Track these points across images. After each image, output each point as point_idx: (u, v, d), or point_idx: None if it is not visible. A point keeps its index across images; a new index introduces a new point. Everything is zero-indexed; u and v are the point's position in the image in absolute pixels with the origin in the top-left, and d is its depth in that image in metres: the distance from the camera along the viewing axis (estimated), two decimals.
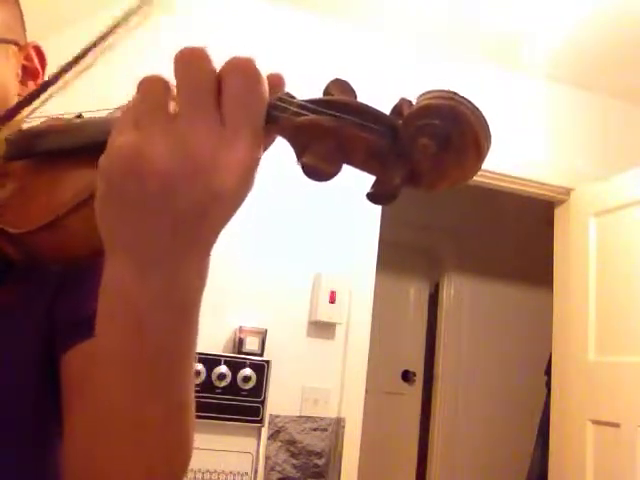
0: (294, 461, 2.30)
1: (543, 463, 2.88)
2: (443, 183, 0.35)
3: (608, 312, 2.50)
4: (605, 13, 2.37)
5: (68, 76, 0.47)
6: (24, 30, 0.69)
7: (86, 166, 0.45)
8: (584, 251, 2.65)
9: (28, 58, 0.67)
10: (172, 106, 0.35)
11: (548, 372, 2.95)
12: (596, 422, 2.46)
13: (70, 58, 0.48)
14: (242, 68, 0.36)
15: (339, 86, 0.38)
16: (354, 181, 0.36)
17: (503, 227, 4.09)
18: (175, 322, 0.39)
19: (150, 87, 0.36)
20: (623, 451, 2.31)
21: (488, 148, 0.35)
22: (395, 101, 0.37)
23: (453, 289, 4.24)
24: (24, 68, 0.67)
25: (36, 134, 0.50)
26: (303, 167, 0.34)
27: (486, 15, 2.47)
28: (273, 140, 0.39)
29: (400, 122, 0.35)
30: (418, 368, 4.20)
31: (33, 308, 0.57)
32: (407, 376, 4.14)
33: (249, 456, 2.24)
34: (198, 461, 2.16)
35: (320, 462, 2.33)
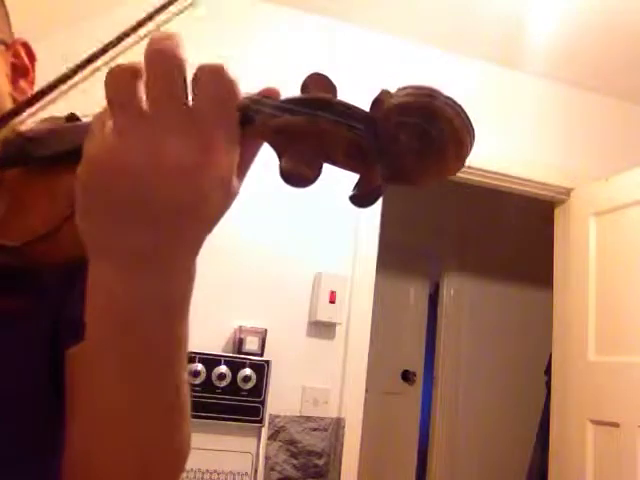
0: (294, 461, 2.30)
1: (543, 463, 2.88)
2: (426, 179, 0.35)
3: (608, 312, 2.50)
4: (606, 13, 2.37)
5: (75, 79, 0.46)
6: (9, 27, 0.67)
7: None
8: (584, 251, 2.65)
9: (16, 55, 0.66)
10: (143, 104, 0.34)
11: (548, 372, 2.95)
12: (596, 422, 2.46)
13: (80, 60, 0.46)
14: (213, 69, 0.35)
15: (317, 81, 0.37)
16: (354, 181, 0.36)
17: (503, 227, 4.09)
18: (162, 323, 0.39)
19: (118, 81, 0.34)
20: (623, 451, 2.31)
21: (470, 143, 0.35)
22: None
23: (453, 289, 4.24)
24: (13, 66, 0.65)
25: (29, 139, 0.48)
26: (281, 173, 0.33)
27: (486, 14, 2.47)
28: (258, 146, 0.38)
29: (379, 117, 0.34)
30: (418, 368, 4.20)
31: (36, 310, 0.57)
32: (407, 376, 4.14)
33: (249, 456, 2.24)
34: (198, 461, 2.16)
35: (320, 462, 2.33)
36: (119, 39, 0.46)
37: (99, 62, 0.45)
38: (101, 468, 0.44)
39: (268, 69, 2.48)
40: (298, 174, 0.34)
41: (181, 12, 0.46)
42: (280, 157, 0.34)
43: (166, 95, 0.34)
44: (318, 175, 0.34)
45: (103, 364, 0.40)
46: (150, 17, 0.46)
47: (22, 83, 0.65)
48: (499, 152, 2.71)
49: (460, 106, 0.34)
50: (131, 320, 0.38)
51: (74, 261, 0.47)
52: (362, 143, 0.34)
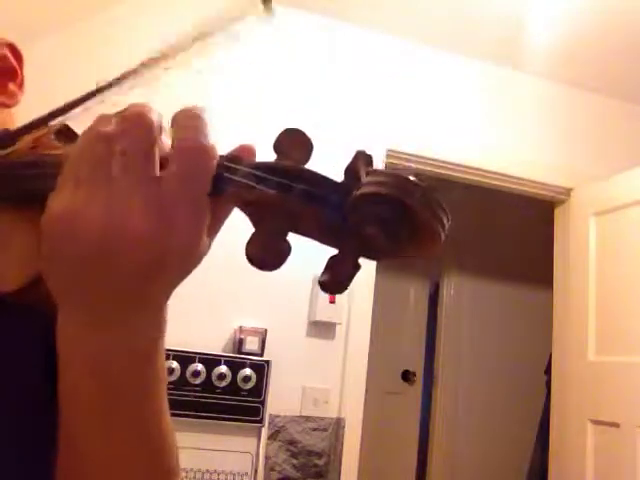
0: (294, 461, 2.30)
1: (543, 463, 2.88)
2: (403, 256, 0.34)
3: (608, 312, 2.50)
4: (606, 13, 2.37)
5: (92, 102, 0.44)
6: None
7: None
8: (584, 251, 2.65)
9: (2, 58, 0.62)
10: (114, 169, 0.34)
11: (548, 372, 2.95)
12: (596, 422, 2.46)
13: (100, 84, 0.44)
14: (189, 145, 0.34)
15: (290, 138, 0.36)
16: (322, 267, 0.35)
17: (503, 227, 4.09)
18: (131, 369, 0.39)
19: (93, 143, 0.35)
20: (623, 451, 2.31)
21: (443, 228, 0.33)
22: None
23: (453, 289, 4.24)
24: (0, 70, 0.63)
25: (7, 172, 0.44)
26: (247, 258, 0.33)
27: (487, 14, 2.47)
28: (231, 209, 0.38)
29: (348, 201, 0.33)
30: (418, 368, 4.20)
31: (37, 310, 0.57)
32: (407, 376, 4.14)
33: (249, 456, 2.24)
34: (198, 461, 2.16)
35: (320, 462, 2.33)
36: (129, 74, 0.45)
37: (98, 98, 0.44)
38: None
39: (268, 69, 2.48)
40: (262, 259, 0.33)
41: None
42: (252, 225, 0.34)
43: (136, 164, 0.34)
44: (283, 260, 0.33)
45: (76, 399, 0.40)
46: (174, 51, 0.45)
47: (11, 86, 0.62)
48: (499, 152, 2.72)
49: (430, 193, 0.33)
50: (97, 366, 0.38)
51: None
52: (333, 223, 0.33)
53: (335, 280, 0.34)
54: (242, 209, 0.35)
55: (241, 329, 2.26)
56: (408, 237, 0.33)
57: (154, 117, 0.35)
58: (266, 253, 0.33)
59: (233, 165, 0.35)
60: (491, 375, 4.05)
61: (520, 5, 2.39)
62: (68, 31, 2.16)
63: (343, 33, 2.63)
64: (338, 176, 0.35)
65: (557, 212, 2.91)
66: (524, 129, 2.81)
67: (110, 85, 0.44)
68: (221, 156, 0.35)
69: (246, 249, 0.33)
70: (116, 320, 0.36)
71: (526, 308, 4.04)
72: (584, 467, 2.46)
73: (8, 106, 0.60)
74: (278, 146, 0.36)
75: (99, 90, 0.44)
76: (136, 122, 0.35)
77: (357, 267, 0.34)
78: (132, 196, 0.33)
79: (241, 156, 0.36)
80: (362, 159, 0.34)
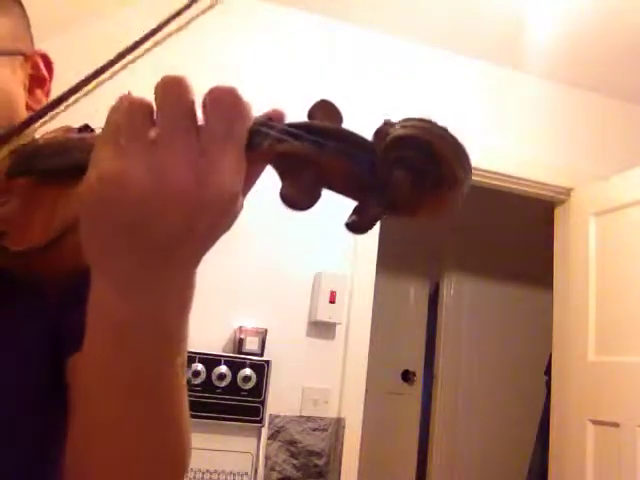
0: (294, 461, 2.30)
1: (543, 463, 2.88)
2: (422, 213, 0.35)
3: (608, 312, 2.50)
4: (606, 13, 2.38)
5: (86, 89, 0.46)
6: (30, 37, 0.69)
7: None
8: (584, 251, 2.65)
9: (35, 66, 0.67)
10: (153, 132, 0.35)
11: (548, 372, 2.95)
12: (596, 422, 2.46)
13: (91, 71, 0.47)
14: (224, 96, 0.35)
15: (323, 108, 0.38)
16: (351, 208, 0.36)
17: (503, 227, 4.09)
18: (157, 339, 0.39)
19: (131, 110, 0.36)
20: (623, 451, 2.31)
21: (466, 179, 0.35)
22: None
23: (453, 289, 4.24)
24: (31, 77, 0.66)
25: (40, 150, 0.49)
26: (281, 197, 0.34)
27: (487, 14, 2.47)
28: (262, 168, 0.39)
29: (379, 148, 0.35)
30: (418, 368, 4.20)
31: (40, 309, 0.57)
32: (407, 376, 4.14)
33: (249, 456, 2.24)
34: (198, 461, 2.16)
35: (320, 462, 2.33)
36: (130, 49, 0.47)
37: (108, 74, 0.46)
38: (95, 475, 0.44)
39: (268, 69, 2.48)
40: (296, 201, 0.35)
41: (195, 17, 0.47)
42: (282, 179, 0.35)
43: (174, 123, 0.35)
44: (315, 202, 0.35)
45: (99, 375, 0.41)
46: (161, 26, 0.48)
47: (39, 93, 0.66)
48: (499, 152, 2.72)
49: (459, 142, 0.35)
50: (126, 336, 0.38)
51: (76, 271, 0.48)
52: (360, 174, 0.35)
53: (359, 221, 0.35)
54: (273, 163, 0.36)
55: (241, 329, 2.26)
56: (432, 184, 0.34)
57: (187, 82, 0.36)
58: (299, 193, 0.35)
59: (268, 122, 0.37)
60: (491, 375, 4.05)
61: (520, 5, 2.38)
62: (71, 34, 2.16)
63: (343, 33, 2.63)
64: None
65: (557, 212, 2.91)
66: (524, 129, 2.81)
67: (99, 72, 0.46)
68: (256, 117, 0.37)
69: (280, 191, 0.35)
70: (147, 286, 0.37)
71: (526, 308, 4.04)
72: (584, 467, 2.46)
73: (33, 110, 0.63)
74: (311, 114, 0.37)
75: (89, 78, 0.46)
76: (173, 83, 0.36)
77: (380, 214, 0.35)
78: (174, 154, 0.34)
79: (273, 117, 0.37)
80: (390, 124, 0.36)
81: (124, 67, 0.46)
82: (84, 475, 0.46)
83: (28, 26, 0.68)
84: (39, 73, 0.67)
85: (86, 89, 0.46)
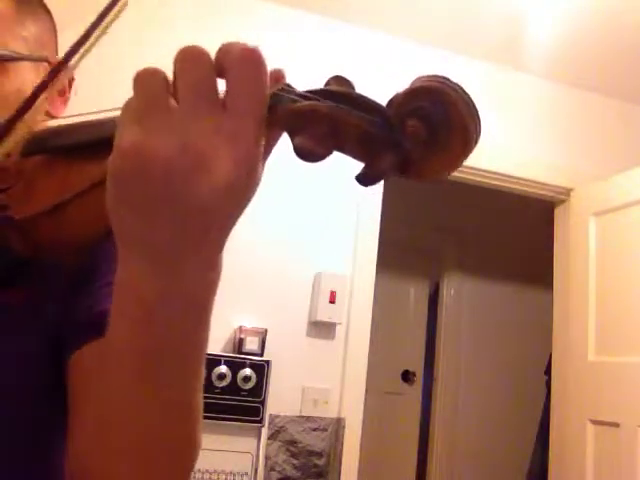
0: (294, 461, 2.30)
1: (543, 463, 2.88)
2: (431, 170, 0.36)
3: (608, 312, 2.50)
4: (606, 13, 2.38)
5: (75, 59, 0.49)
6: (56, 45, 0.70)
7: (93, 159, 0.46)
8: (584, 251, 2.65)
9: None
10: (171, 101, 0.35)
11: (548, 372, 2.95)
12: (596, 422, 2.46)
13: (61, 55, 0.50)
14: (246, 56, 0.36)
15: (338, 80, 0.39)
16: (354, 181, 0.36)
17: (503, 227, 4.09)
18: (185, 315, 0.39)
19: (147, 81, 0.36)
20: (623, 451, 2.31)
21: (476, 133, 0.35)
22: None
23: (453, 289, 4.24)
24: None
25: (51, 132, 0.51)
26: (295, 147, 0.35)
27: (487, 14, 2.47)
28: (279, 134, 0.39)
29: (392, 106, 0.36)
30: (418, 368, 4.20)
31: (40, 309, 0.57)
32: (407, 376, 4.14)
33: (249, 456, 2.24)
34: (198, 461, 2.15)
35: (320, 462, 2.33)
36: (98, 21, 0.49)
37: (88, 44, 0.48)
38: (108, 466, 0.44)
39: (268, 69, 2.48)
40: (312, 150, 0.35)
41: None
42: (296, 134, 0.36)
43: (196, 89, 0.35)
44: (327, 155, 0.35)
45: (122, 361, 0.40)
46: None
47: (57, 101, 0.68)
48: (499, 152, 2.71)
49: (470, 97, 0.35)
50: (154, 312, 0.38)
51: (78, 247, 0.49)
52: (374, 133, 0.35)
53: (369, 172, 0.36)
54: (288, 123, 0.36)
55: (241, 329, 2.26)
56: (445, 136, 0.34)
57: (206, 50, 0.36)
58: (314, 144, 0.35)
59: (286, 87, 0.38)
60: (491, 375, 4.05)
61: (520, 5, 2.39)
62: (71, 32, 2.16)
63: (343, 33, 2.63)
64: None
65: (557, 212, 2.91)
66: (524, 129, 2.81)
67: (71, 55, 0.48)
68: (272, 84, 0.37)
69: (295, 142, 0.35)
70: (175, 263, 0.37)
71: (526, 308, 4.04)
72: (584, 467, 2.46)
73: (52, 116, 0.65)
74: (327, 84, 0.39)
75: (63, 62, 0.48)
76: (192, 51, 0.36)
77: (391, 167, 0.35)
78: (198, 120, 0.34)
79: (273, 75, 0.38)
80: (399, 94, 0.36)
81: (100, 37, 0.48)
82: (94, 473, 0.45)
83: (55, 35, 0.69)
84: (61, 82, 0.67)
85: (71, 62, 0.48)
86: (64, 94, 0.69)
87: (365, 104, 0.36)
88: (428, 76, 0.35)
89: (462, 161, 0.36)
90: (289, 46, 2.54)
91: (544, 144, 2.83)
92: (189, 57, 0.36)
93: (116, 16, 0.49)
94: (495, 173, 2.70)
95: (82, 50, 0.48)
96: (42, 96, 0.48)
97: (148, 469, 0.44)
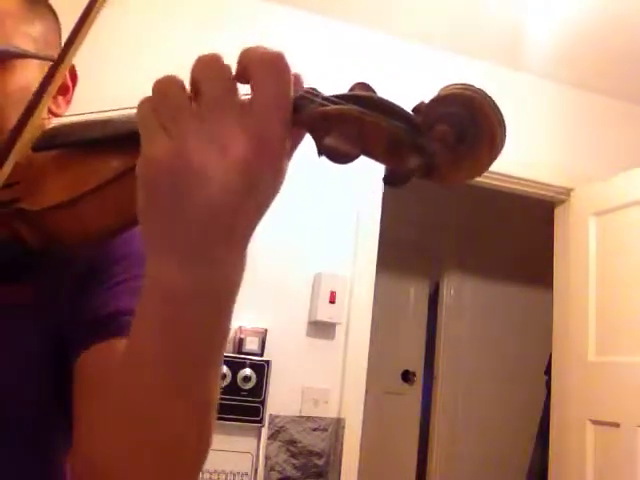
0: (294, 461, 2.30)
1: (543, 463, 2.88)
2: (456, 175, 0.36)
3: (608, 312, 2.50)
4: (606, 13, 2.37)
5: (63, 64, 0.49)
6: (61, 44, 0.70)
7: (106, 155, 0.47)
8: (584, 251, 2.65)
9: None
10: (195, 107, 0.36)
11: (548, 372, 2.95)
12: (596, 422, 2.46)
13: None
14: (270, 62, 0.36)
15: (362, 86, 0.39)
16: (354, 181, 0.36)
17: (503, 227, 4.09)
18: (211, 316, 0.40)
19: (168, 89, 0.37)
20: (623, 451, 2.31)
21: (502, 141, 0.36)
22: (404, 99, 0.37)
23: (453, 289, 4.24)
24: None
25: (60, 129, 0.52)
26: (325, 148, 0.35)
27: (487, 15, 2.47)
28: (303, 134, 0.39)
29: (421, 112, 0.36)
30: (418, 368, 4.20)
31: (45, 308, 0.57)
32: (407, 376, 4.14)
33: (249, 456, 2.24)
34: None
35: (320, 462, 2.33)
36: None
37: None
38: (119, 466, 0.43)
39: None
40: (341, 151, 0.35)
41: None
42: (322, 138, 0.36)
43: (221, 93, 0.36)
44: (355, 158, 0.36)
45: (149, 362, 0.40)
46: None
47: (60, 100, 0.68)
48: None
49: (498, 106, 0.36)
50: (183, 314, 0.39)
51: (90, 243, 0.49)
52: (402, 138, 0.35)
53: (395, 173, 0.36)
54: (315, 126, 0.37)
55: (241, 329, 2.26)
56: (472, 143, 0.35)
57: (222, 58, 0.37)
58: (343, 144, 0.35)
59: (312, 91, 0.38)
60: (491, 375, 4.05)
61: (520, 5, 2.38)
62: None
63: (343, 33, 2.63)
64: None
65: (557, 212, 2.91)
66: (524, 129, 2.81)
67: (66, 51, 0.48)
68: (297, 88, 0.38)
69: (324, 142, 0.35)
70: (203, 259, 0.38)
71: (526, 308, 4.04)
72: (584, 467, 2.46)
73: (55, 115, 0.66)
74: (351, 90, 0.39)
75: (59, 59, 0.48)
76: (212, 58, 0.37)
77: (417, 169, 0.36)
78: (226, 123, 0.35)
79: (313, 87, 0.39)
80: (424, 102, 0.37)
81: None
82: (109, 473, 0.45)
83: (60, 34, 0.70)
84: (64, 82, 0.68)
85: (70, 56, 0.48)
86: (67, 93, 0.69)
87: (392, 109, 0.37)
88: (456, 84, 0.36)
89: (487, 167, 0.36)
90: (289, 46, 2.54)
91: (544, 144, 2.83)
92: (210, 66, 0.37)
93: (100, 7, 0.49)
94: (495, 173, 2.70)
95: (72, 48, 0.49)
96: (44, 97, 0.48)
97: (166, 468, 0.44)
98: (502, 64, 2.78)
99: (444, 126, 0.35)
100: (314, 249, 2.42)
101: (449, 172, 0.36)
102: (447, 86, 0.36)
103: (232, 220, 0.37)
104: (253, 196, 0.36)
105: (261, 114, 0.35)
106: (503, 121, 0.36)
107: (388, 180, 0.36)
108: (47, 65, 0.65)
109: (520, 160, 2.75)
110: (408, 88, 2.71)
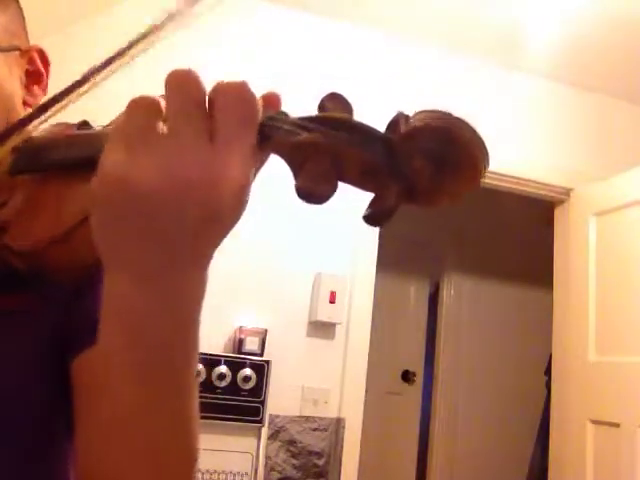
0: (294, 461, 2.30)
1: (543, 463, 2.88)
2: (439, 201, 0.35)
3: (608, 312, 2.50)
4: (606, 13, 2.37)
5: (83, 88, 0.46)
6: (26, 32, 0.68)
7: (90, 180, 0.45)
8: (584, 251, 2.65)
9: (31, 61, 0.66)
10: (162, 127, 0.35)
11: (548, 372, 2.95)
12: (596, 422, 2.46)
13: (88, 69, 0.46)
14: (233, 88, 0.35)
15: (334, 101, 0.37)
16: (367, 201, 0.36)
17: (503, 227, 4.09)
18: (172, 332, 0.39)
19: (139, 107, 0.36)
20: (623, 451, 2.31)
21: (485, 168, 0.35)
22: (391, 106, 0.36)
23: (453, 289, 4.24)
24: (27, 72, 0.66)
25: (42, 146, 0.49)
26: (298, 190, 0.34)
27: (486, 14, 2.47)
28: (267, 157, 0.39)
29: (396, 140, 0.34)
30: (418, 368, 4.20)
31: (40, 313, 0.57)
32: (407, 376, 4.14)
33: (249, 456, 2.24)
34: (198, 461, 2.16)
35: (320, 462, 2.33)
36: (125, 49, 0.46)
37: (106, 71, 0.45)
38: (110, 475, 0.44)
39: (268, 69, 2.48)
40: (313, 192, 0.34)
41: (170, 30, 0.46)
42: (296, 175, 0.35)
43: (183, 117, 0.35)
44: (331, 194, 0.34)
45: (114, 369, 0.40)
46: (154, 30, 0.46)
47: (36, 89, 0.66)
48: (499, 152, 2.71)
49: (477, 132, 0.35)
50: (144, 328, 0.38)
51: (81, 271, 0.48)
52: (377, 163, 0.34)
53: (377, 212, 0.35)
54: (286, 157, 0.36)
55: (241, 329, 2.26)
56: (452, 169, 0.34)
57: (198, 76, 0.36)
58: (315, 184, 0.34)
59: (280, 116, 0.37)
60: (491, 375, 4.05)
61: (521, 5, 2.38)
62: (66, 33, 2.16)
63: (343, 33, 2.63)
64: None
65: (557, 212, 2.91)
66: (524, 129, 2.81)
67: (92, 74, 0.45)
68: (267, 111, 0.37)
69: (296, 184, 0.34)
70: (164, 278, 0.37)
71: (526, 308, 4.04)
72: (584, 467, 2.45)
73: (30, 105, 0.64)
74: (322, 105, 0.37)
75: (83, 80, 0.45)
76: (182, 76, 0.36)
77: (398, 203, 0.35)
78: (183, 148, 0.34)
79: (268, 100, 0.37)
80: (403, 118, 0.35)
81: (121, 66, 0.45)
82: (102, 475, 0.45)
83: (23, 22, 0.68)
84: (36, 68, 0.66)
85: (81, 90, 0.45)
86: (41, 80, 0.67)
87: (365, 132, 0.35)
88: (433, 113, 0.35)
89: (474, 186, 0.36)
90: (289, 46, 2.54)
91: (544, 144, 2.83)
92: (179, 82, 0.35)
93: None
94: (495, 173, 2.69)
95: (80, 90, 0.45)
96: (36, 121, 0.46)
97: (153, 473, 0.44)
98: (502, 64, 2.78)
99: (421, 161, 0.34)
100: (314, 249, 2.42)
101: (431, 199, 0.35)
102: (422, 113, 0.35)
103: (188, 245, 0.36)
104: (212, 223, 0.35)
105: (222, 140, 0.35)
106: (484, 149, 0.35)
107: (370, 220, 0.35)
108: (12, 55, 0.64)
109: (520, 160, 2.75)
110: (407, 88, 2.72)
